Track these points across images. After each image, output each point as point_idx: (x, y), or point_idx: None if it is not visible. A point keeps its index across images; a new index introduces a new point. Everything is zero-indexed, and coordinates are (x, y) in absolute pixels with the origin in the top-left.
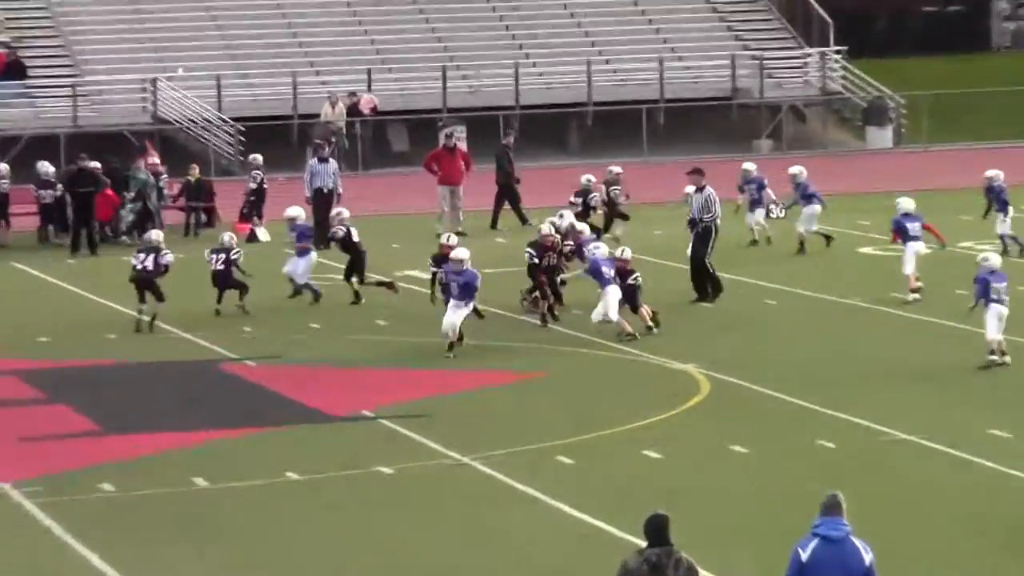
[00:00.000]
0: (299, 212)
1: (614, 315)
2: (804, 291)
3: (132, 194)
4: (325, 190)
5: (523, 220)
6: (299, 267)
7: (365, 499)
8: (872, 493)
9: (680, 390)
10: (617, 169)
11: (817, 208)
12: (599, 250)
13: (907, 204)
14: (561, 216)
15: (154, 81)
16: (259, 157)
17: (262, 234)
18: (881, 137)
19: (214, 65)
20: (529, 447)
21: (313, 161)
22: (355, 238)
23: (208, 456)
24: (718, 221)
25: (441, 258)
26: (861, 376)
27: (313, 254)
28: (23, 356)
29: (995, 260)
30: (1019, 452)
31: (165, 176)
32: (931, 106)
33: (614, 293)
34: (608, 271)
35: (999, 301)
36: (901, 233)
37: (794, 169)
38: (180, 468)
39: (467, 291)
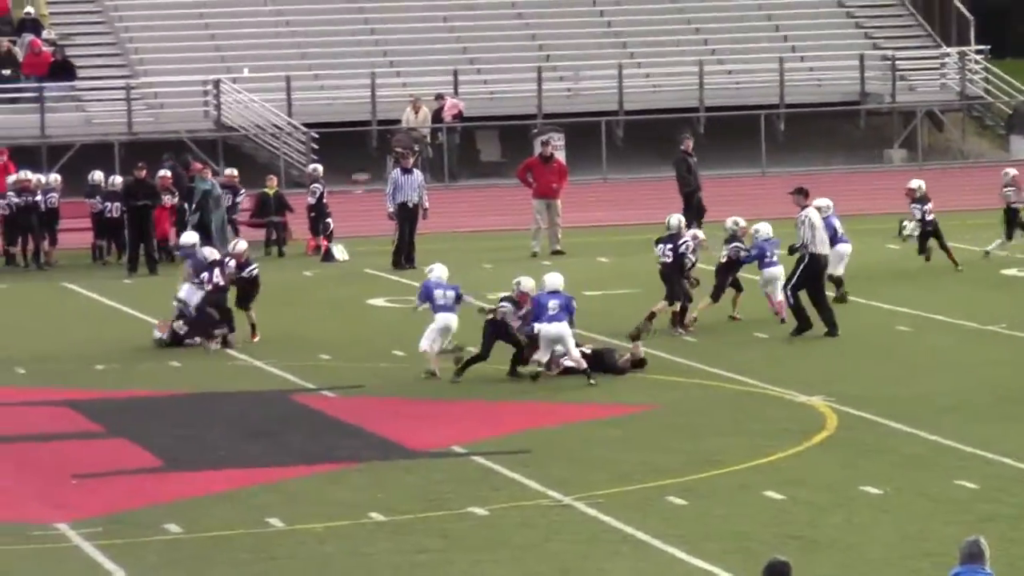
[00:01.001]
0: (194, 239)
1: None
2: (941, 316)
3: (193, 206)
4: (410, 204)
5: None
6: (194, 298)
7: (457, 543)
8: (1019, 539)
9: (805, 425)
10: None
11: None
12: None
13: None
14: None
15: (217, 83)
16: (319, 168)
17: (339, 252)
18: None
19: (283, 65)
20: (638, 486)
21: (396, 172)
22: (253, 273)
23: (283, 494)
24: (811, 249)
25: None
26: (1005, 410)
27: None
28: (78, 386)
29: None
30: None
31: (243, 191)
32: None
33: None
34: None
35: None
36: None
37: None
38: (252, 507)
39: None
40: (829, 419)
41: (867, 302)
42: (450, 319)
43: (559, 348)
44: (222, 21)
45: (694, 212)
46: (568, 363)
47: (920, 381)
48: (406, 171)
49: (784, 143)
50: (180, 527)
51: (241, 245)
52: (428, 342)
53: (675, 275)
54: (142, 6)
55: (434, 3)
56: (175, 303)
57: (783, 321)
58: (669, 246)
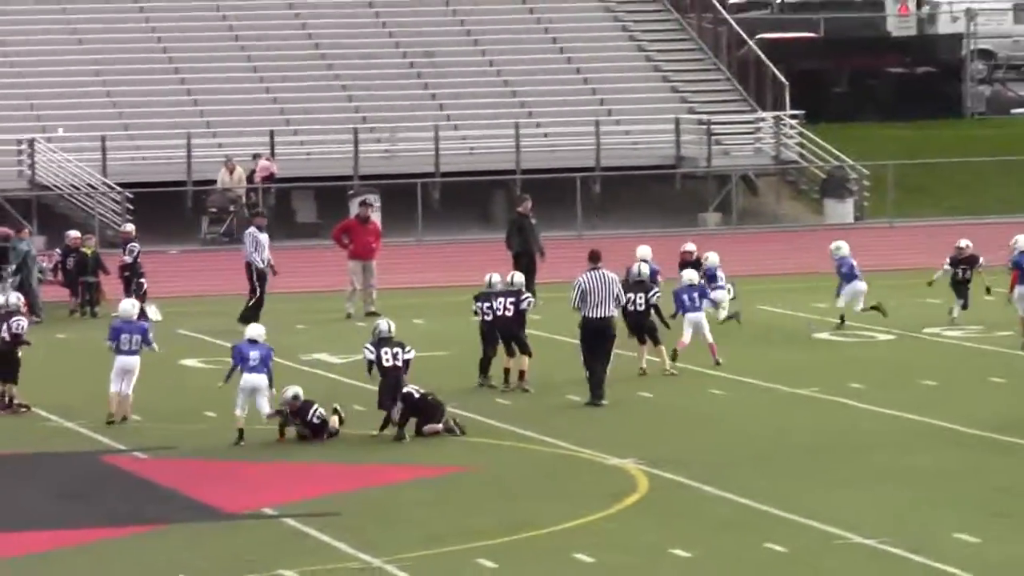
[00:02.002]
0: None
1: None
2: (753, 380)
3: (12, 267)
4: (266, 263)
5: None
6: None
7: None
8: None
9: (617, 488)
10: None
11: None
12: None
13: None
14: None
15: (31, 142)
16: (131, 227)
17: (152, 312)
18: (841, 211)
19: (98, 125)
20: (449, 549)
21: (253, 230)
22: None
23: (93, 557)
24: (583, 312)
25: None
26: (815, 472)
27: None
28: None
29: None
30: (986, 558)
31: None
32: (897, 177)
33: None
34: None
35: None
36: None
37: (833, 244)
38: (62, 571)
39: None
40: (641, 482)
41: (682, 364)
42: (257, 380)
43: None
44: (37, 80)
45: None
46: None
47: (732, 444)
48: (261, 230)
49: (600, 205)
50: None
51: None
52: (239, 407)
53: (521, 330)
54: None
55: (250, 63)
56: None
57: (718, 363)
58: (511, 299)
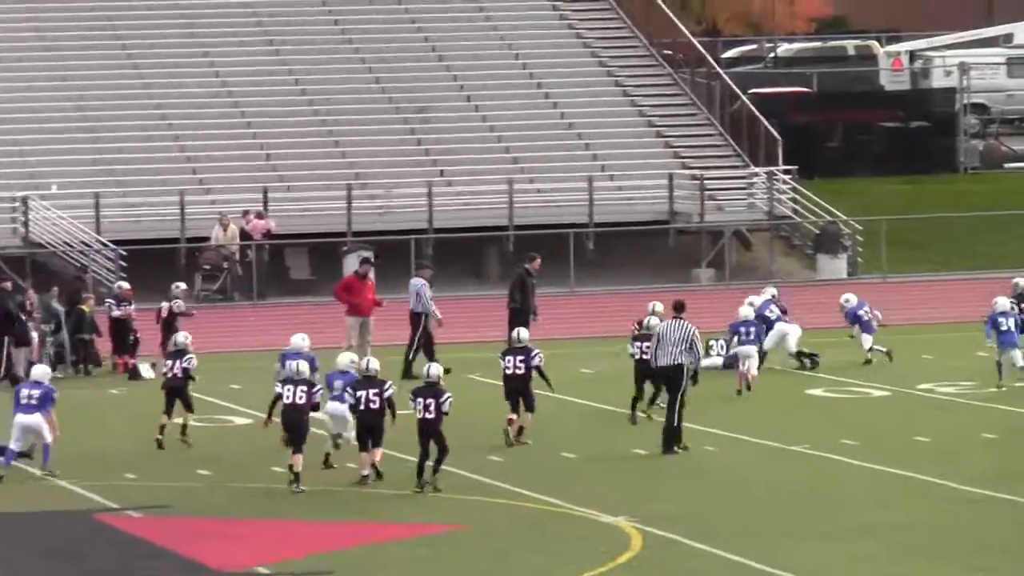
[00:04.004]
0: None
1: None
2: (748, 437)
3: (52, 326)
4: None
5: None
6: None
7: None
8: None
9: (610, 545)
10: None
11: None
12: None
13: (1003, 304)
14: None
15: (25, 200)
16: (124, 284)
17: (146, 370)
18: (834, 267)
19: (92, 182)
20: None
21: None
22: None
23: None
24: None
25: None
26: (805, 528)
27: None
28: None
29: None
30: None
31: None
32: (890, 232)
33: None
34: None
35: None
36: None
37: (843, 297)
38: None
39: None
40: (634, 539)
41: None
42: (338, 408)
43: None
44: (30, 137)
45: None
46: None
47: (726, 501)
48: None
49: (593, 261)
50: None
51: None
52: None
53: (527, 386)
54: None
55: (244, 119)
56: None
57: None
58: (520, 358)
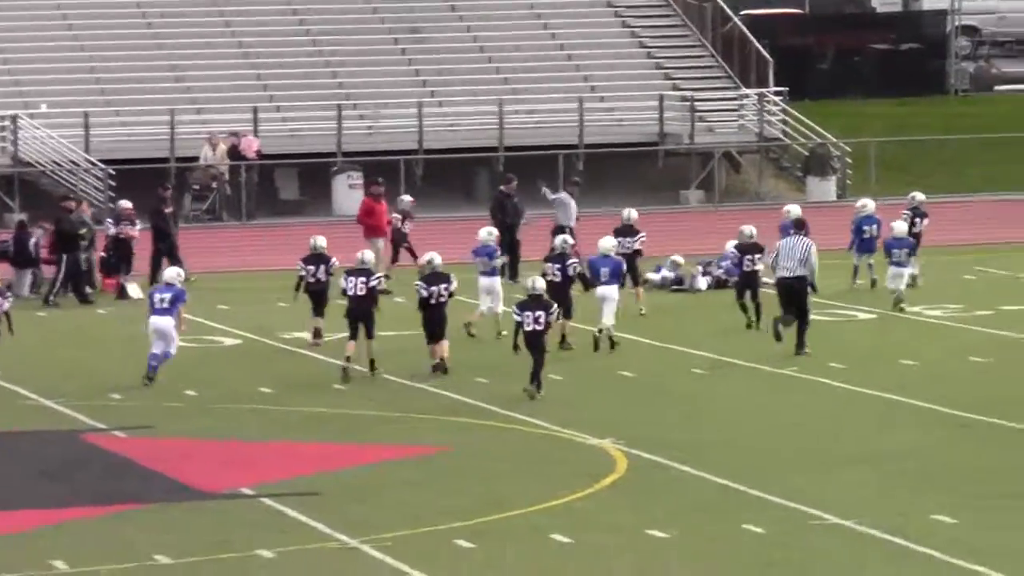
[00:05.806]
0: None
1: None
2: (736, 360)
3: (86, 243)
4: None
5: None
6: None
7: None
8: None
9: (595, 468)
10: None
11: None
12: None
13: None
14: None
15: (14, 118)
16: (125, 203)
17: (133, 291)
18: (823, 189)
19: (81, 101)
20: (426, 529)
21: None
22: None
23: (69, 536)
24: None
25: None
26: (793, 453)
27: None
28: None
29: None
30: (964, 540)
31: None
32: (880, 155)
33: None
34: None
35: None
36: None
37: (859, 202)
38: (37, 549)
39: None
40: (619, 462)
41: (663, 344)
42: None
43: None
44: (20, 56)
45: (505, 248)
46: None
47: (711, 424)
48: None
49: (583, 182)
50: None
51: None
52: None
53: (565, 292)
54: None
55: (235, 39)
56: None
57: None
58: (558, 265)
